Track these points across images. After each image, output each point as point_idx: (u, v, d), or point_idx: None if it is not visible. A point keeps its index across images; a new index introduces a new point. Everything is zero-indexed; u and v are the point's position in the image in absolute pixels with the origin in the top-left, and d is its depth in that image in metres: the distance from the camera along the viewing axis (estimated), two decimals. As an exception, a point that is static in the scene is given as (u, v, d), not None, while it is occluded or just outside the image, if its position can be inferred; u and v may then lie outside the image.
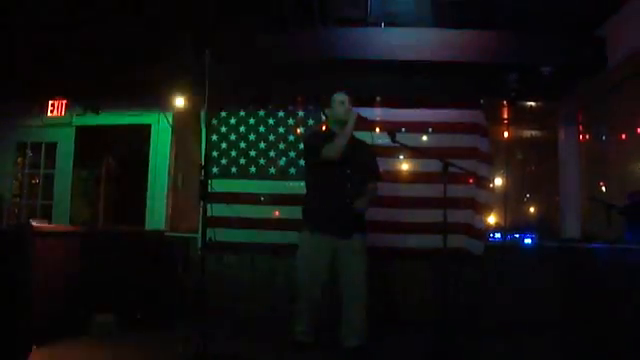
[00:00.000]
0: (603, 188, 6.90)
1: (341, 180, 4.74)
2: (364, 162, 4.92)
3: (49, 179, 7.78)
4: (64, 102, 7.58)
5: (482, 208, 6.50)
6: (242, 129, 6.89)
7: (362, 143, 5.08)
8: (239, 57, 6.18)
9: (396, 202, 6.42)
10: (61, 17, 5.96)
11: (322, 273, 4.72)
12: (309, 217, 4.86)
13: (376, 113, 6.70)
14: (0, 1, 5.67)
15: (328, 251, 4.71)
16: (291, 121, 6.85)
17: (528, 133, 7.56)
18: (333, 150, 4.65)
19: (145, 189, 7.31)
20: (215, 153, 6.84)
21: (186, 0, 5.73)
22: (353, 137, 4.88)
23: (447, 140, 6.54)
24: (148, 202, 7.28)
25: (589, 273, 5.97)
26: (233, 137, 6.88)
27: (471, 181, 6.42)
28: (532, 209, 7.69)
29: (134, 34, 6.19)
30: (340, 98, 4.88)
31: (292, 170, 6.73)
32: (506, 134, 7.04)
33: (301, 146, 6.28)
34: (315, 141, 4.88)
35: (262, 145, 6.83)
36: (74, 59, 6.50)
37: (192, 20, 6.12)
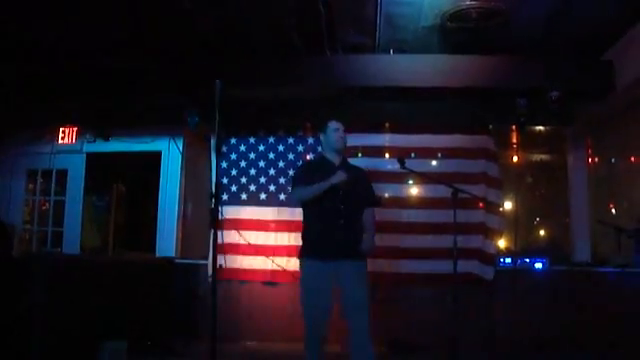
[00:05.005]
0: (613, 211, 6.89)
1: (332, 209, 4.63)
2: (358, 190, 4.77)
3: (60, 206, 7.79)
4: (74, 129, 7.64)
5: (492, 233, 6.49)
6: (252, 156, 6.93)
7: (355, 169, 4.93)
8: (248, 85, 6.22)
9: (406, 228, 6.42)
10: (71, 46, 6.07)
11: (326, 303, 4.64)
12: (305, 244, 4.84)
13: (385, 139, 6.73)
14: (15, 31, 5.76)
15: (328, 277, 4.64)
16: (300, 148, 6.89)
17: (537, 157, 7.57)
18: (299, 195, 4.70)
19: (155, 215, 7.33)
20: (225, 180, 6.87)
21: (195, 30, 5.79)
22: (346, 163, 4.86)
23: (456, 165, 6.56)
24: (158, 228, 7.29)
25: (600, 297, 5.95)
26: (243, 164, 6.92)
27: (481, 206, 6.42)
28: (542, 232, 7.67)
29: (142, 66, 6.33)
30: (334, 125, 4.81)
31: (302, 196, 6.72)
32: (515, 158, 7.05)
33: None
34: (297, 176, 4.90)
35: (272, 172, 6.87)
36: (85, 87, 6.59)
37: (200, 50, 6.20)
